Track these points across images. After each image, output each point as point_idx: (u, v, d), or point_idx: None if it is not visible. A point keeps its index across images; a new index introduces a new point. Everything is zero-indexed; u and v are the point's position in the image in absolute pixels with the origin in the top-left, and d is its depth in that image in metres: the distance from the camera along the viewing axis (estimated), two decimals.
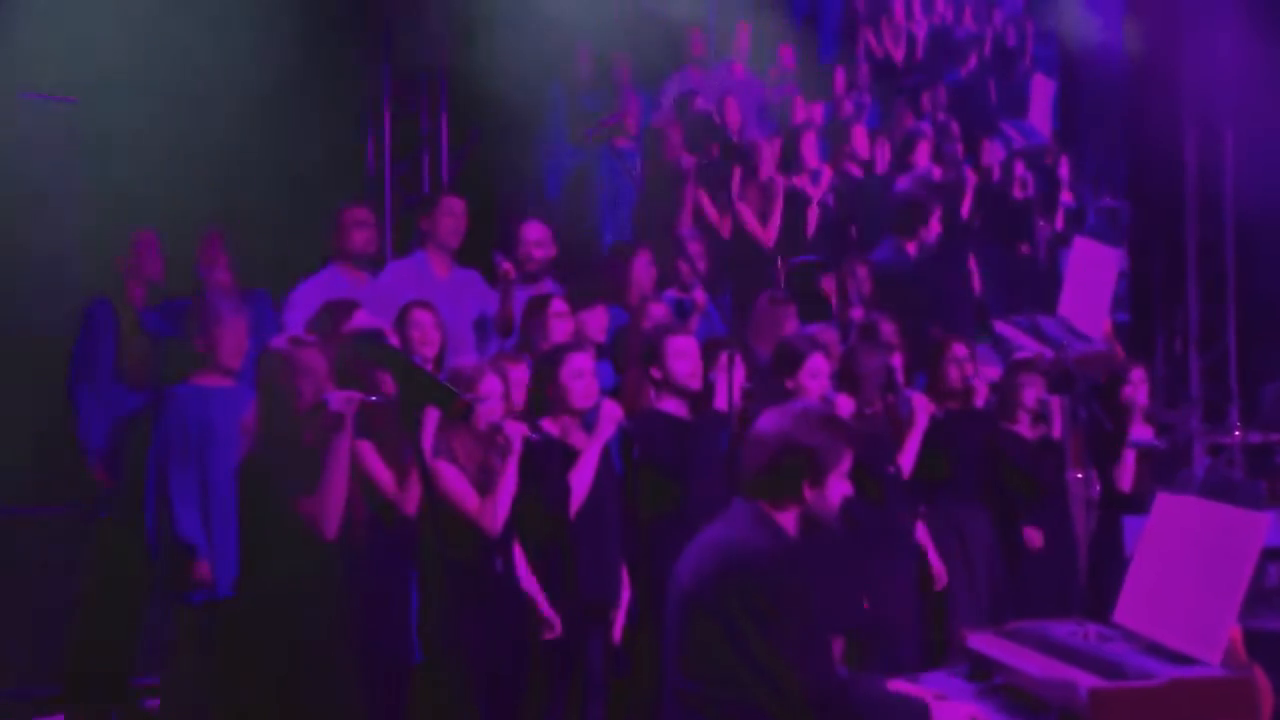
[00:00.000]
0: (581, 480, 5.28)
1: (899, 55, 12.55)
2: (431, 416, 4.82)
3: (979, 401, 6.87)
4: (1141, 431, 7.05)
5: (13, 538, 6.61)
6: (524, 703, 5.06)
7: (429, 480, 4.66)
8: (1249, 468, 10.58)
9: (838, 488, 3.63)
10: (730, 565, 3.49)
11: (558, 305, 6.15)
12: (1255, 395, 10.75)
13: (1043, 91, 13.42)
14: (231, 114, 7.07)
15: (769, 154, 9.09)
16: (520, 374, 5.52)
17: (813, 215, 9.30)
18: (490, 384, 5.03)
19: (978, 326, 8.17)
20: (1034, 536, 6.70)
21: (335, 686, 4.34)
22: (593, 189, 8.99)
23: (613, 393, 6.11)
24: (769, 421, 3.66)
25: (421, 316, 5.77)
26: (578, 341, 5.78)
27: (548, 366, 5.39)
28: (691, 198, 8.51)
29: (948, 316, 7.78)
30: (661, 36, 9.81)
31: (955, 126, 11.29)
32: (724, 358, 5.63)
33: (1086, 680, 3.49)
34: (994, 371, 7.27)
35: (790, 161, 9.54)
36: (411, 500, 4.89)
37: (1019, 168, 11.42)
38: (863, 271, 7.93)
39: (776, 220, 8.89)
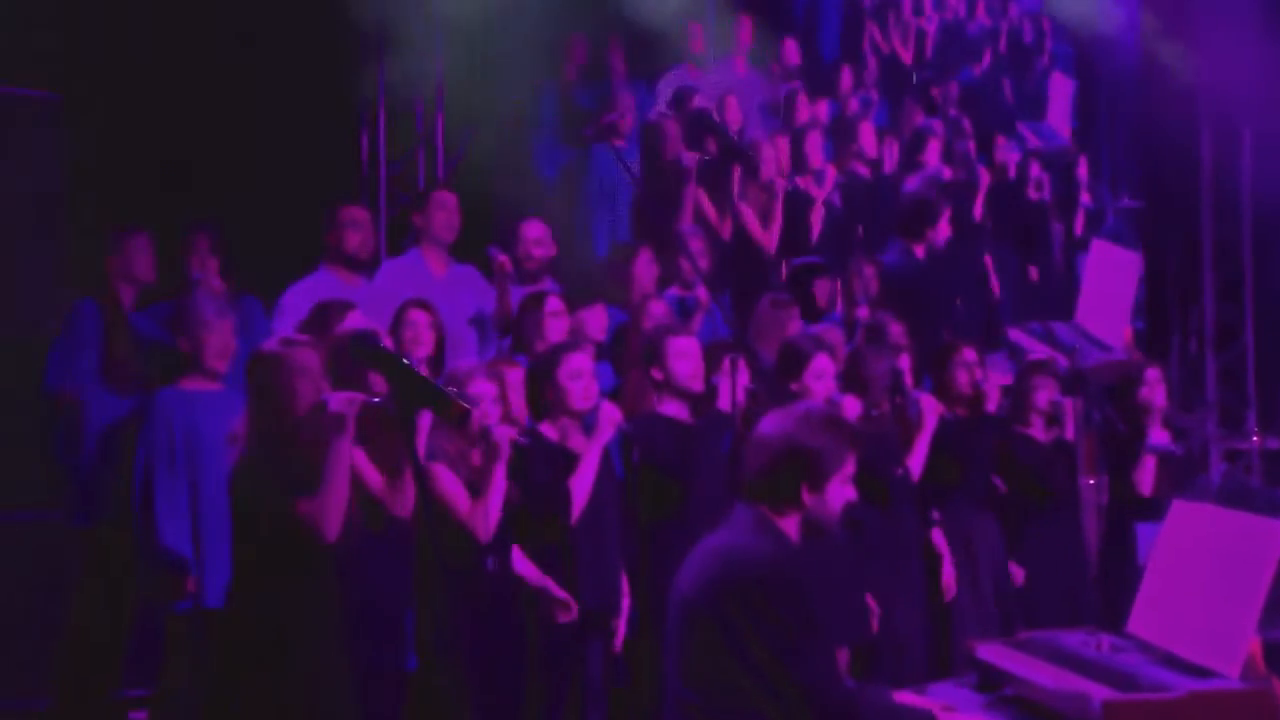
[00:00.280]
0: (582, 485, 5.24)
1: (908, 53, 12.40)
2: (425, 420, 4.75)
3: (990, 407, 6.76)
4: (1159, 436, 6.93)
5: None
6: (522, 711, 5.01)
7: (423, 484, 4.58)
8: (1267, 474, 10.49)
9: (840, 493, 3.60)
10: (731, 572, 3.48)
11: (553, 303, 6.11)
12: (1273, 399, 10.65)
13: (1061, 90, 13.19)
14: (225, 112, 7.03)
15: (770, 154, 8.93)
16: (517, 377, 5.47)
17: (817, 216, 9.13)
18: (480, 386, 4.97)
19: (994, 334, 8.06)
20: (1018, 574, 6.58)
21: (330, 695, 4.25)
22: (585, 186, 8.89)
23: (613, 394, 6.08)
24: (771, 423, 3.65)
25: (416, 316, 5.73)
26: (575, 341, 5.74)
27: (545, 367, 5.35)
28: (692, 196, 8.38)
29: (957, 321, 7.66)
30: (658, 31, 9.68)
31: (968, 123, 11.15)
32: (726, 362, 5.56)
33: (1100, 692, 3.44)
34: (1005, 378, 7.16)
35: (795, 161, 9.41)
36: (406, 504, 4.84)
37: (1035, 169, 11.27)
38: (869, 271, 7.81)
39: (778, 223, 8.70)
